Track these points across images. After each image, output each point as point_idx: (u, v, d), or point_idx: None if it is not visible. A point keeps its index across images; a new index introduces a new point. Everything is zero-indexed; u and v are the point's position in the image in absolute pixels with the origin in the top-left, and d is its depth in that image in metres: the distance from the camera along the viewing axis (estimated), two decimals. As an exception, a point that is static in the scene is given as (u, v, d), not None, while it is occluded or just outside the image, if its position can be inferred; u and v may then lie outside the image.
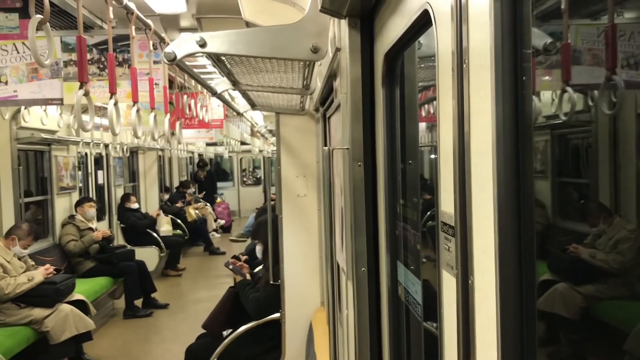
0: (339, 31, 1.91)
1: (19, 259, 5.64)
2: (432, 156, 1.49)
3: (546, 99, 0.89)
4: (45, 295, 5.47)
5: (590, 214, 0.90)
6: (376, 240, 1.84)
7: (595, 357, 0.91)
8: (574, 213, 0.96)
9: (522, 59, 0.85)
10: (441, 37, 1.08)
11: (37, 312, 5.39)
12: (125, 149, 8.82)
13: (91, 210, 7.73)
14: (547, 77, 0.91)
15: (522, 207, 0.86)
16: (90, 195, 8.60)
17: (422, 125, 1.70)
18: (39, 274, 5.56)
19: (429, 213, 1.50)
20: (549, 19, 0.93)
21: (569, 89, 0.84)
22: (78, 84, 2.58)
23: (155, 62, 4.15)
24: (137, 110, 3.09)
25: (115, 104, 2.70)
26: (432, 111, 1.57)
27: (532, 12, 0.85)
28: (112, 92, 2.78)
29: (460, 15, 0.97)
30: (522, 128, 0.86)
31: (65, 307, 5.56)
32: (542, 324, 0.89)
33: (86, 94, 2.54)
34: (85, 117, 2.76)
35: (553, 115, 0.90)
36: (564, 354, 0.98)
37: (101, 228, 7.97)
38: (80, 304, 5.82)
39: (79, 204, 7.76)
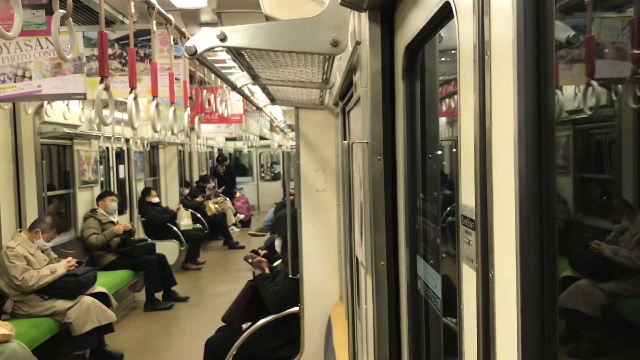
0: (359, 24, 1.90)
1: (42, 251, 5.73)
2: (453, 150, 1.48)
3: (569, 93, 0.88)
4: (67, 287, 5.55)
5: (613, 210, 0.89)
6: (395, 234, 1.83)
7: (617, 355, 0.90)
8: (596, 209, 0.95)
9: (545, 52, 0.85)
10: (463, 29, 1.07)
11: (60, 304, 5.48)
12: (145, 144, 8.90)
13: (112, 203, 7.81)
14: (570, 71, 0.90)
15: (544, 201, 0.85)
16: (112, 189, 8.70)
17: (443, 119, 1.69)
18: (62, 266, 5.64)
19: (448, 209, 1.49)
20: (572, 11, 0.92)
21: (593, 82, 0.83)
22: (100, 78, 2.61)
23: (175, 57, 4.18)
24: (157, 105, 3.12)
25: (135, 98, 2.73)
26: (452, 105, 1.56)
27: (555, 4, 0.85)
28: (132, 87, 2.81)
29: (482, 8, 0.96)
30: (544, 121, 0.85)
31: (87, 299, 5.64)
32: (563, 321, 0.88)
33: (106, 89, 2.57)
34: (105, 112, 2.79)
35: (576, 110, 0.89)
36: (585, 351, 0.97)
37: (122, 222, 8.07)
38: (101, 297, 5.90)
39: (100, 197, 7.85)
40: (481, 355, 0.99)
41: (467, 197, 1.05)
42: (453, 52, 1.16)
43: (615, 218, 0.86)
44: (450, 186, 1.46)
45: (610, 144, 0.90)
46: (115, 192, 8.52)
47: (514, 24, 0.85)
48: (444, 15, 1.21)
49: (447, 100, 1.65)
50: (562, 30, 0.85)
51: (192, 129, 7.75)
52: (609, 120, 0.89)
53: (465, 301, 1.10)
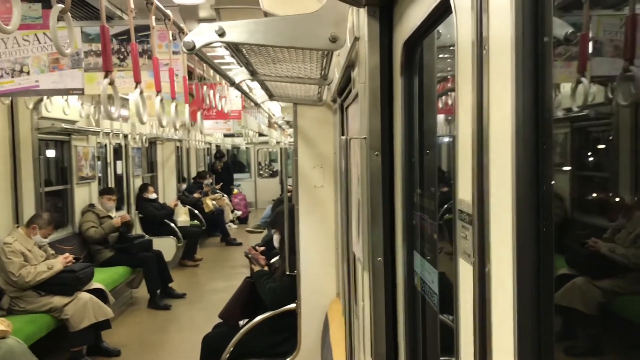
0: (357, 20, 1.90)
1: (39, 247, 5.73)
2: (450, 146, 1.48)
3: (566, 90, 0.89)
4: (64, 283, 5.55)
5: (610, 208, 0.89)
6: (393, 230, 1.83)
7: (613, 353, 0.90)
8: (593, 207, 0.95)
9: (543, 48, 0.85)
10: (461, 25, 1.07)
11: (57, 300, 5.47)
12: (144, 140, 8.88)
13: (109, 203, 7.79)
14: (568, 68, 0.90)
15: (541, 197, 0.85)
16: (109, 185, 8.69)
17: (440, 116, 1.69)
18: (59, 262, 5.64)
19: (445, 206, 1.49)
20: (570, 8, 0.92)
21: (584, 79, 0.83)
22: (98, 74, 2.61)
23: (174, 53, 4.17)
24: (161, 100, 3.11)
25: (141, 93, 2.72)
26: (450, 102, 1.56)
27: (553, 1, 0.85)
28: (137, 82, 2.80)
29: (480, 4, 0.96)
30: (541, 117, 0.85)
31: (84, 296, 5.63)
32: (559, 317, 0.89)
33: (111, 83, 2.56)
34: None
35: (573, 107, 0.89)
36: (581, 349, 0.97)
37: (115, 216, 8.02)
38: (99, 293, 5.89)
39: (101, 193, 7.86)
40: (477, 350, 0.99)
41: (465, 192, 1.05)
42: (451, 48, 1.17)
43: (611, 216, 0.86)
44: (447, 182, 1.46)
45: (607, 141, 0.90)
46: (115, 190, 8.45)
47: (512, 20, 0.85)
48: (443, 11, 1.21)
49: (444, 96, 1.65)
50: (560, 27, 0.85)
51: (192, 124, 7.74)
52: (605, 118, 0.89)
53: (462, 296, 1.10)
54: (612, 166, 0.88)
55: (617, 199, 0.86)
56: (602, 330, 0.90)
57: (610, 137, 0.89)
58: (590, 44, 0.83)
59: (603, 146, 0.92)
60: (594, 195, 0.95)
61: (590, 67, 0.85)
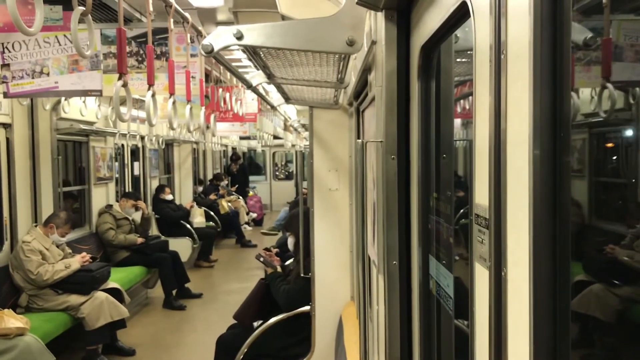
0: (375, 24, 1.91)
1: (57, 246, 5.79)
2: (467, 150, 1.48)
3: (585, 96, 0.88)
4: (81, 282, 5.60)
5: (628, 214, 0.88)
6: (408, 233, 1.83)
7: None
8: (611, 213, 0.95)
9: (562, 53, 0.85)
10: (479, 29, 1.07)
11: (74, 299, 5.53)
12: (160, 141, 8.95)
13: (131, 209, 7.90)
14: (587, 73, 0.90)
15: (557, 202, 0.85)
16: (127, 186, 8.77)
17: (457, 120, 1.69)
18: (76, 261, 5.70)
19: (462, 211, 1.49)
20: (590, 13, 0.92)
21: (609, 85, 0.83)
22: (116, 76, 2.64)
23: (192, 55, 4.21)
24: (174, 102, 3.14)
25: (153, 95, 2.75)
26: (467, 106, 1.56)
27: (572, 5, 0.84)
28: (150, 84, 2.83)
29: (499, 8, 0.96)
30: (559, 123, 0.85)
31: (100, 295, 5.68)
32: (576, 324, 0.88)
33: (124, 85, 2.59)
34: (122, 109, 2.81)
35: (592, 113, 0.89)
36: (598, 357, 0.96)
37: (137, 218, 8.09)
38: (115, 292, 5.94)
39: (125, 196, 7.94)
40: (492, 355, 0.99)
41: (481, 196, 1.05)
42: (469, 52, 1.17)
43: (630, 222, 0.85)
44: (464, 187, 1.46)
45: (626, 147, 0.89)
46: (136, 195, 8.53)
47: (530, 25, 0.85)
48: (461, 15, 1.21)
49: (462, 101, 1.65)
50: (579, 32, 0.85)
51: (207, 127, 7.79)
52: (625, 124, 0.89)
53: (478, 300, 1.10)
54: (631, 172, 0.87)
55: (636, 205, 0.86)
56: (619, 339, 0.90)
57: (629, 143, 0.88)
58: (610, 49, 0.83)
59: (621, 152, 0.91)
60: (612, 201, 0.94)
61: (609, 72, 0.84)
